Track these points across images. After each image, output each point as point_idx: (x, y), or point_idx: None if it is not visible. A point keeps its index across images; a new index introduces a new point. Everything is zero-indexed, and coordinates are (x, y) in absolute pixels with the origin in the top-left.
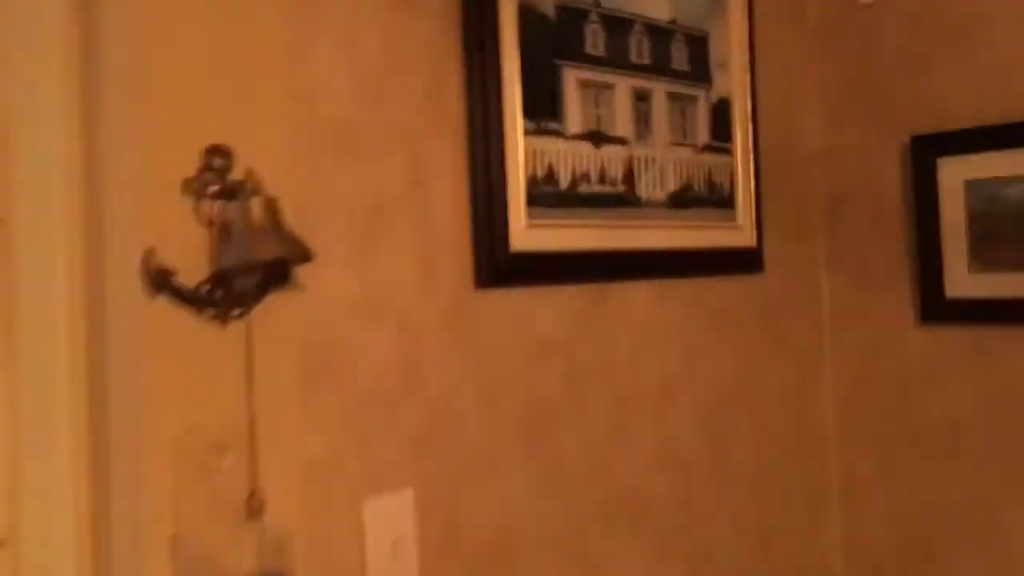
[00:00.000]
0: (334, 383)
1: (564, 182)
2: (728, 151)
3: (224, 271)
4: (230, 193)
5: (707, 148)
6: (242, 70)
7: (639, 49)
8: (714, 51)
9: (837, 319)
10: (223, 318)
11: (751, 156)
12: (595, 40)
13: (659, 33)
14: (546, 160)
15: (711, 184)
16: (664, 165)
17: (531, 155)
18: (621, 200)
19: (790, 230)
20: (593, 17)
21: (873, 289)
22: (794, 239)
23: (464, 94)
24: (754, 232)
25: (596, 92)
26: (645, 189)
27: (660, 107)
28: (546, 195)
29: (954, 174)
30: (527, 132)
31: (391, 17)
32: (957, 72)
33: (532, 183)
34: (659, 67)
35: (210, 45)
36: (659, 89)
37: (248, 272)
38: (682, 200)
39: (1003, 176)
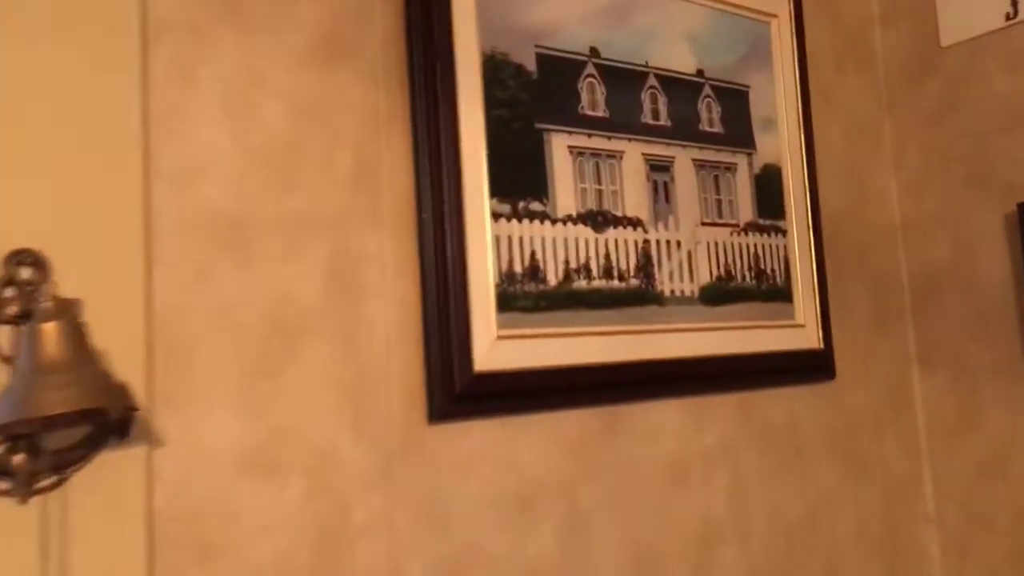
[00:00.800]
0: (210, 568)
1: (553, 277)
2: (780, 230)
3: (5, 427)
4: (29, 316)
5: (752, 227)
6: (77, 149)
7: (654, 107)
8: (756, 107)
9: (937, 433)
10: (23, 491)
11: (810, 234)
12: (593, 97)
13: (681, 87)
14: (526, 251)
15: (759, 272)
16: (694, 251)
17: (504, 245)
18: (636, 297)
19: (868, 323)
20: (590, 69)
21: (981, 393)
22: (874, 334)
23: (411, 170)
24: (819, 329)
25: (596, 162)
26: (668, 282)
27: (686, 178)
28: (526, 296)
29: None
30: (498, 216)
31: (303, 76)
32: None
33: (506, 281)
34: (682, 129)
35: (34, 115)
36: (683, 157)
37: (55, 425)
38: (720, 294)
39: None
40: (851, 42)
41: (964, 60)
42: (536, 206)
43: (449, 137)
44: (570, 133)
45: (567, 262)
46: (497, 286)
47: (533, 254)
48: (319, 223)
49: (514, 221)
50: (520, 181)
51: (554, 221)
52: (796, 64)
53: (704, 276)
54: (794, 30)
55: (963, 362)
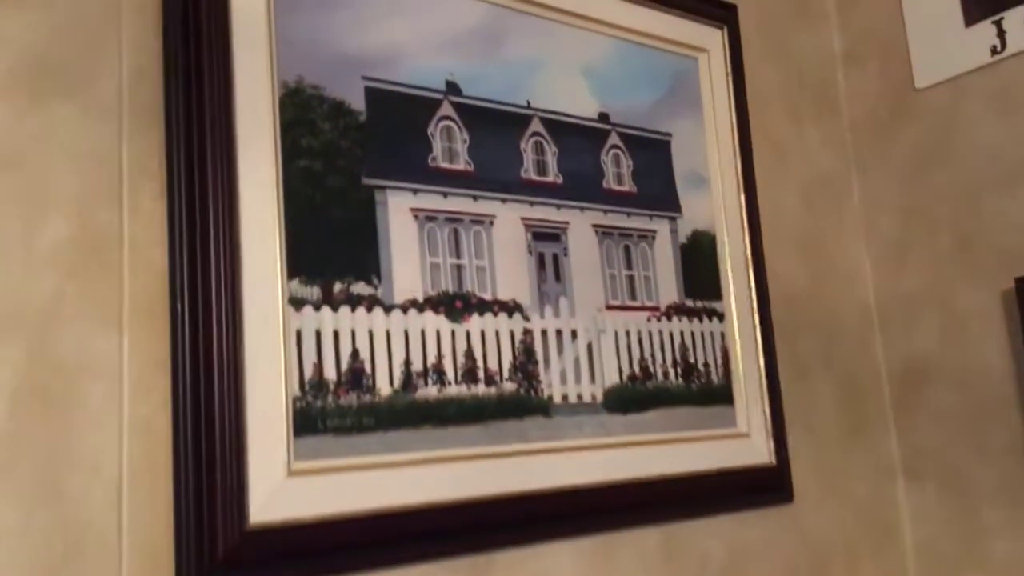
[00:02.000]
0: None
1: (386, 384)
2: (715, 313)
3: None
4: None
5: (677, 310)
6: None
7: (539, 159)
8: (681, 160)
9: (928, 566)
10: None
11: (755, 317)
12: (450, 145)
13: (578, 135)
14: (345, 349)
15: (688, 368)
16: (596, 342)
17: (310, 343)
18: (512, 407)
19: (836, 429)
20: (446, 110)
21: (983, 514)
22: (845, 443)
23: (166, 243)
24: (770, 439)
25: (454, 230)
26: (559, 385)
27: (584, 250)
28: (343, 412)
29: None
30: (301, 303)
31: None
32: None
33: (312, 392)
34: (580, 187)
35: None
36: (580, 222)
37: None
38: (633, 398)
39: None
40: (808, 85)
41: (945, 104)
42: (362, 288)
43: (221, 197)
44: (415, 192)
45: (408, 363)
46: (296, 400)
47: (356, 353)
48: (6, 319)
49: (326, 310)
50: (337, 256)
51: (389, 308)
52: (733, 108)
53: (611, 375)
54: (730, 67)
55: (959, 475)
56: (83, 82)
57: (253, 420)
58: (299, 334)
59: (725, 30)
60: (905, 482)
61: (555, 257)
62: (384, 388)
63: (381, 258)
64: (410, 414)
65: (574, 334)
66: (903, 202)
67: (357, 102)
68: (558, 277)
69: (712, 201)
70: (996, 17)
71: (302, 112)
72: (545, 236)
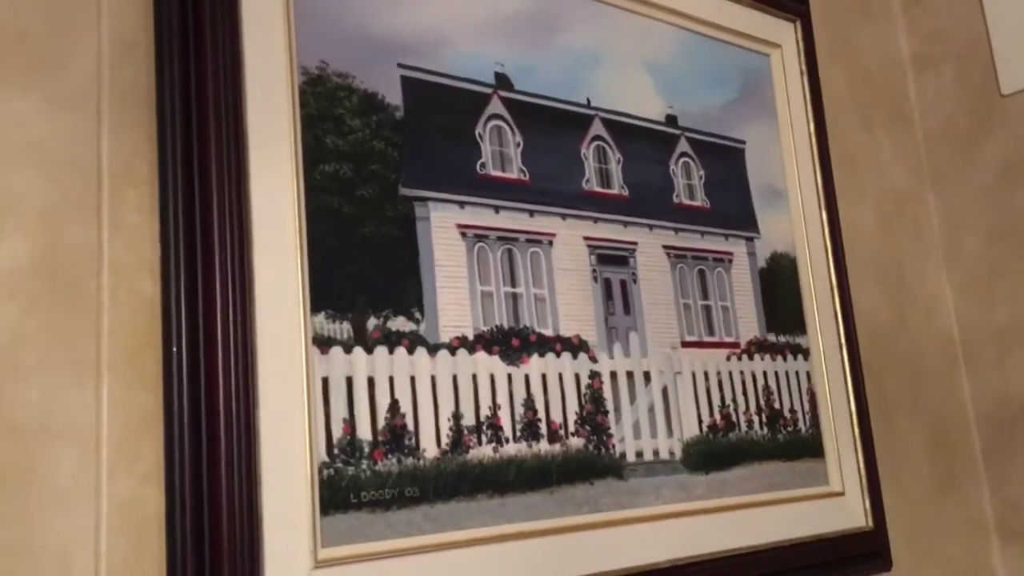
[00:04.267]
0: None
1: (432, 444)
2: (800, 349)
3: None
4: None
5: (759, 346)
6: None
7: (603, 168)
8: (756, 171)
9: None
10: None
11: (843, 354)
12: (501, 149)
13: (645, 140)
14: (382, 400)
15: (773, 414)
16: (671, 386)
17: (339, 393)
18: (580, 468)
19: (928, 484)
20: (495, 107)
21: None
22: (938, 499)
23: (158, 271)
24: (865, 497)
25: (508, 251)
26: (632, 439)
27: (655, 275)
28: (380, 481)
29: None
30: (327, 343)
31: None
32: None
33: (341, 457)
34: (648, 201)
35: None
36: (650, 243)
37: None
38: (714, 452)
39: None
40: (877, 88)
41: None
42: (401, 324)
43: (228, 209)
44: (462, 205)
45: (457, 416)
46: (323, 467)
47: (395, 405)
48: None
49: (358, 352)
50: (371, 284)
51: (434, 348)
52: (810, 112)
53: (689, 426)
54: (805, 66)
55: None
56: (50, 61)
57: (269, 495)
58: (326, 383)
59: (798, 24)
60: (1000, 543)
61: (623, 284)
62: (430, 448)
63: (424, 285)
64: (462, 480)
65: (647, 377)
66: (989, 223)
67: (393, 95)
68: (627, 308)
69: (792, 219)
70: None
71: (327, 105)
72: (611, 259)
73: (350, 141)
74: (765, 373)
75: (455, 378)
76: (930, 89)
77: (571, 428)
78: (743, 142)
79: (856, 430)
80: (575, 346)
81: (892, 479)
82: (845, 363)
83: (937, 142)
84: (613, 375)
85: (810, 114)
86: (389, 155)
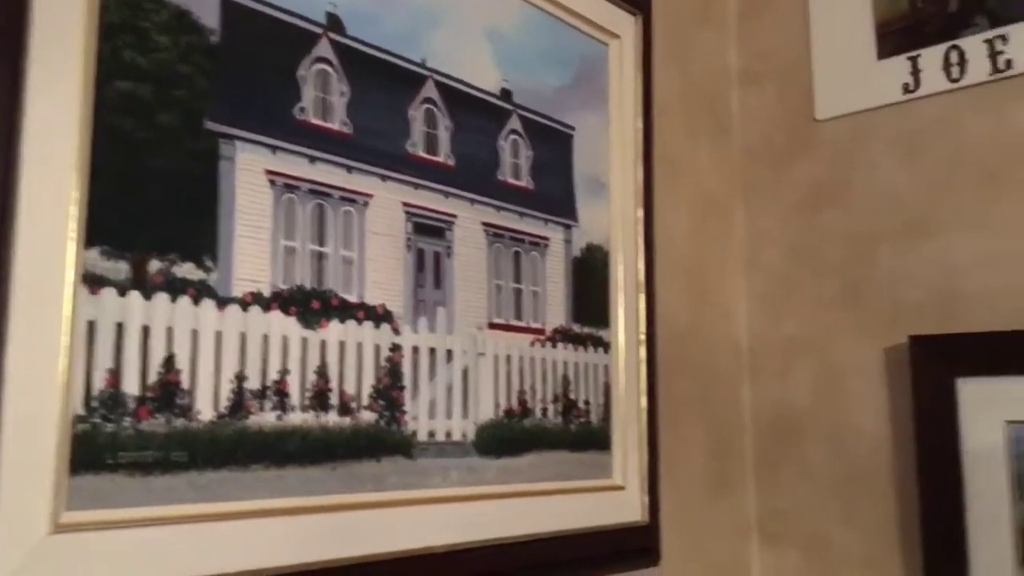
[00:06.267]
0: None
1: (209, 405)
2: (601, 342)
3: None
4: None
5: (563, 336)
6: None
7: (430, 133)
8: (582, 160)
9: None
10: None
11: (642, 352)
12: (324, 96)
13: (477, 110)
14: (156, 352)
15: (568, 404)
16: (473, 367)
17: (107, 339)
18: (368, 443)
19: (704, 483)
20: (323, 49)
21: None
22: (710, 499)
23: None
24: (644, 493)
25: (319, 206)
26: (427, 418)
27: (471, 252)
28: (143, 440)
29: (987, 408)
30: (99, 283)
31: None
32: (986, 230)
33: (102, 409)
34: (473, 174)
35: None
36: (470, 217)
37: None
38: (508, 438)
39: None
40: (704, 96)
41: (846, 139)
42: (189, 271)
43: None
44: (275, 150)
45: (241, 378)
46: (78, 421)
47: (171, 360)
48: None
49: (135, 295)
50: (160, 222)
51: (224, 301)
52: (640, 109)
53: (486, 409)
54: (641, 61)
55: (822, 542)
56: None
57: (9, 446)
58: (92, 326)
59: (640, 18)
60: (761, 545)
61: (437, 257)
62: (206, 411)
63: (220, 232)
64: (238, 448)
65: (450, 355)
66: (789, 240)
67: (209, 17)
68: (438, 282)
69: (610, 213)
70: (913, 53)
71: (130, 14)
72: (428, 229)
73: (154, 60)
74: (566, 362)
75: (243, 336)
76: (751, 104)
77: (364, 401)
78: (573, 128)
79: (643, 427)
80: (379, 316)
81: (671, 477)
82: (642, 360)
83: (752, 157)
84: (415, 350)
85: (640, 111)
86: (198, 83)
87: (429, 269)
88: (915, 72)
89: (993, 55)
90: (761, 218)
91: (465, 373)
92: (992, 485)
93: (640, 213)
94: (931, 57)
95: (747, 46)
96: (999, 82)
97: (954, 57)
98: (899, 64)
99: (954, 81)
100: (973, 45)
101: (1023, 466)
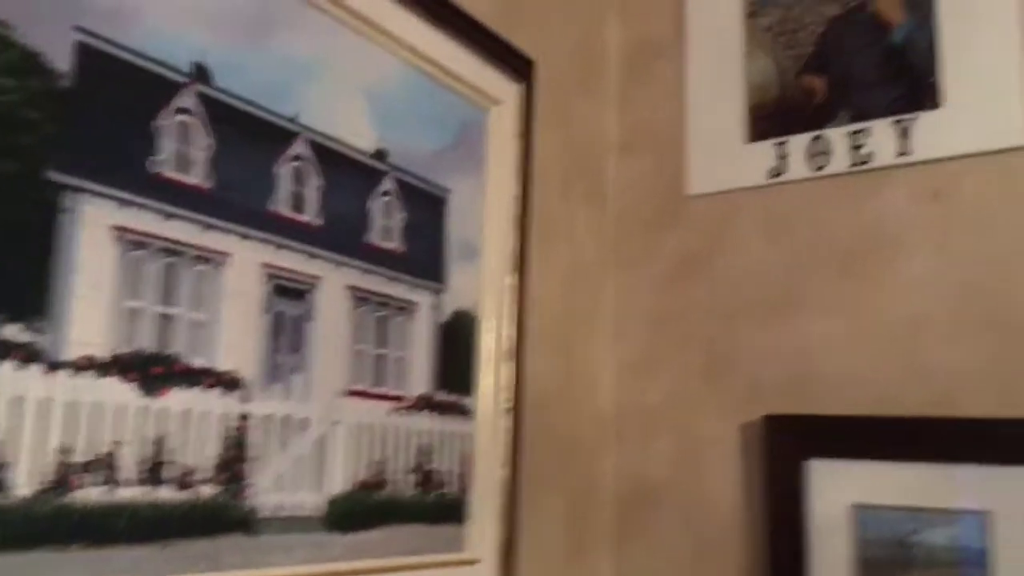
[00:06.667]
0: None
1: (25, 480)
2: (465, 411)
3: None
4: None
5: (425, 403)
6: None
7: (298, 191)
8: (456, 224)
9: None
10: None
11: (507, 421)
12: (185, 148)
13: (350, 170)
14: None
15: (426, 476)
16: (329, 436)
17: None
18: (205, 520)
19: (562, 553)
20: (187, 99)
21: None
22: (567, 569)
23: None
24: (501, 568)
25: (167, 266)
26: (274, 491)
27: (334, 316)
28: None
29: (834, 490)
30: None
31: None
32: (841, 314)
33: None
34: (341, 235)
35: None
36: (335, 280)
37: None
38: (359, 511)
39: (927, 507)
40: (583, 163)
41: (715, 217)
42: (16, 333)
43: None
44: (123, 204)
45: (67, 450)
46: None
47: None
48: None
49: None
50: None
51: (54, 365)
52: (519, 175)
53: (339, 481)
54: (523, 129)
55: None
56: None
57: None
58: None
59: (523, 85)
60: None
61: (297, 320)
62: (22, 485)
63: (55, 291)
64: (57, 526)
65: (304, 424)
66: (658, 310)
67: (61, 60)
68: (296, 347)
69: (481, 278)
70: (780, 140)
71: None
72: (289, 292)
73: None
74: (427, 431)
75: (73, 404)
76: (628, 174)
77: (205, 474)
78: (449, 191)
79: (503, 498)
80: (228, 382)
81: (529, 548)
82: (506, 429)
83: (626, 226)
84: (267, 419)
85: (518, 177)
86: (43, 129)
87: (287, 333)
88: (782, 158)
89: (853, 148)
90: (632, 287)
91: (319, 443)
92: (835, 565)
93: (512, 279)
94: (797, 145)
95: (627, 116)
96: (857, 174)
97: (818, 147)
98: (767, 149)
99: (818, 169)
100: (836, 137)
101: (865, 548)
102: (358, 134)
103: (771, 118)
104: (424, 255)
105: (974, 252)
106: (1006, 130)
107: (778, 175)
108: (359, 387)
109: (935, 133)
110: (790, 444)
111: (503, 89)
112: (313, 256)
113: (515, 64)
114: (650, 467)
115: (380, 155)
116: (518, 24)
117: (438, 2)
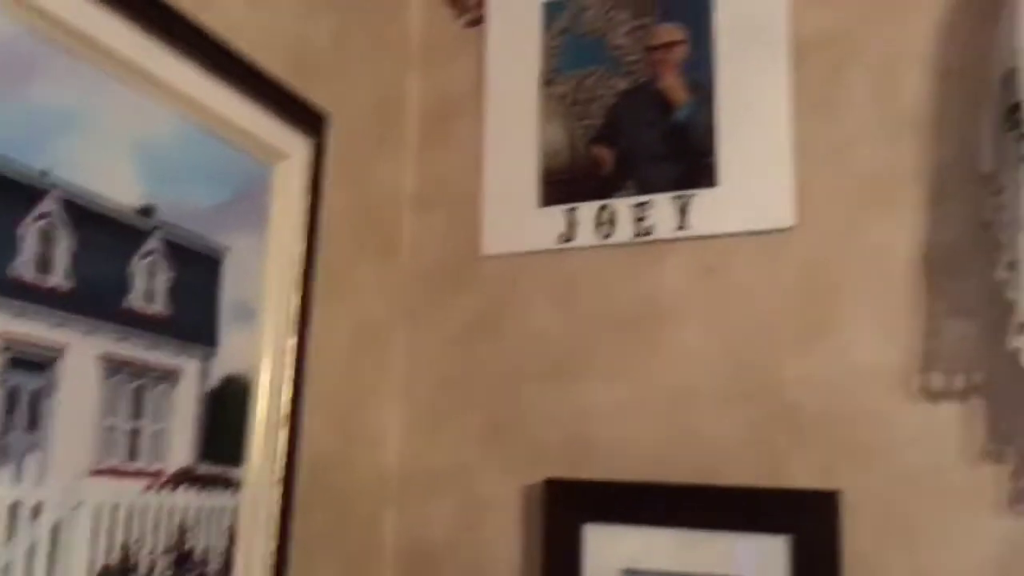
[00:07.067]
0: None
1: None
2: (232, 483)
3: None
4: None
5: (185, 478)
6: None
7: (43, 253)
8: (232, 285)
9: None
10: None
11: (278, 492)
12: None
13: (108, 229)
14: None
15: (181, 556)
16: (67, 522)
17: None
18: None
19: None
20: None
21: None
22: None
23: None
24: None
25: None
26: None
27: (79, 388)
28: None
29: (608, 554)
30: None
31: None
32: (619, 380)
33: None
34: (94, 299)
35: None
36: (83, 349)
37: None
38: None
39: (692, 573)
40: (376, 220)
41: (506, 278)
42: None
43: None
44: None
45: None
46: None
47: None
48: None
49: None
50: None
51: None
52: (305, 234)
53: (78, 570)
54: (311, 185)
55: None
56: None
57: None
58: None
59: (313, 141)
60: None
61: (35, 395)
62: None
63: None
64: None
65: (37, 510)
66: (445, 370)
67: None
68: (33, 425)
69: (257, 341)
70: (570, 206)
71: None
72: (27, 364)
73: None
74: (186, 508)
75: None
76: (422, 231)
77: None
78: (225, 249)
79: (269, 572)
80: None
81: None
82: (277, 498)
83: (418, 284)
84: None
85: (304, 235)
86: None
87: (23, 409)
88: (572, 224)
89: (637, 220)
90: (420, 346)
91: (55, 529)
92: None
93: (292, 341)
94: (586, 213)
95: (424, 173)
96: (640, 245)
97: (605, 215)
98: (559, 214)
99: (605, 237)
100: (622, 208)
101: None
102: (121, 190)
103: (563, 184)
104: (193, 318)
105: (740, 327)
106: (775, 213)
107: (568, 240)
108: (108, 464)
109: (711, 211)
110: (568, 508)
111: (291, 143)
112: (59, 324)
113: (306, 118)
114: (432, 528)
115: (147, 211)
116: (314, 77)
117: (221, 53)
